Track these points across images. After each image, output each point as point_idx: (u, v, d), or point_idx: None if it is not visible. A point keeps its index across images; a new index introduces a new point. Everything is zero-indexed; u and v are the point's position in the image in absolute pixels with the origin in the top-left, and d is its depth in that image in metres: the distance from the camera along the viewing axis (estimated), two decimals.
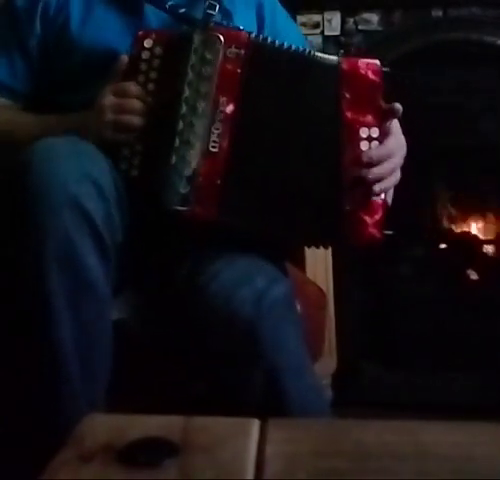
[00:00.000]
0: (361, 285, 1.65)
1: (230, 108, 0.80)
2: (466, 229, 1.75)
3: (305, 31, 1.56)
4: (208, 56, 0.80)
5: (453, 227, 1.76)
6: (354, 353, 1.58)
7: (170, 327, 0.83)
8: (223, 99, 0.80)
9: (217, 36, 0.80)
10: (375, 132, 0.82)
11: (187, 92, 0.79)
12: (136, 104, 0.81)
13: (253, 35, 0.83)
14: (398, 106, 0.83)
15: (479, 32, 1.58)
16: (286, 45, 0.83)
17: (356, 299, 1.63)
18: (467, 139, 1.63)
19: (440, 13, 1.60)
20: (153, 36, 0.82)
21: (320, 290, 1.06)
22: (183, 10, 0.90)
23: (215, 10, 0.88)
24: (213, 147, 0.80)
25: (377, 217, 0.83)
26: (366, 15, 1.60)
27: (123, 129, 0.81)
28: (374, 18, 1.61)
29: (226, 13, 0.92)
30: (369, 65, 0.82)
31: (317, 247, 0.90)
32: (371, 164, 0.81)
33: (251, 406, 0.76)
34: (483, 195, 1.72)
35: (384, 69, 0.82)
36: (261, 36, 0.84)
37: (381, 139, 0.82)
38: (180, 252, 0.87)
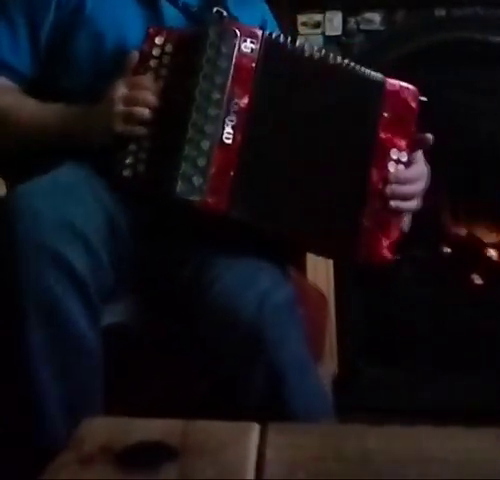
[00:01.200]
0: (362, 289, 1.65)
1: (245, 101, 0.81)
2: (470, 233, 1.75)
3: (306, 31, 1.56)
4: (224, 49, 0.81)
5: (456, 230, 1.75)
6: (355, 356, 1.58)
7: (172, 329, 0.83)
8: (238, 91, 0.81)
9: (233, 30, 0.81)
10: (404, 156, 0.84)
11: (202, 84, 0.80)
12: (148, 96, 0.81)
13: (267, 32, 0.84)
14: (430, 137, 0.85)
15: (483, 32, 1.57)
16: (313, 49, 0.84)
17: (357, 303, 1.63)
18: (472, 139, 1.62)
19: (443, 13, 1.59)
20: (164, 33, 0.83)
21: (321, 293, 1.06)
22: (195, 9, 0.92)
23: (223, 14, 0.88)
24: (227, 138, 0.80)
25: (392, 239, 0.84)
26: (368, 15, 1.60)
27: (133, 121, 0.81)
28: (376, 18, 1.60)
29: (233, 18, 0.93)
30: (410, 91, 0.85)
31: (328, 257, 0.89)
32: (397, 185, 0.82)
33: (253, 408, 0.76)
34: (487, 198, 1.71)
35: (422, 98, 0.85)
36: (274, 33, 0.85)
37: (408, 164, 0.84)
38: (183, 254, 0.86)
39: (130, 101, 0.80)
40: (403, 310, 1.65)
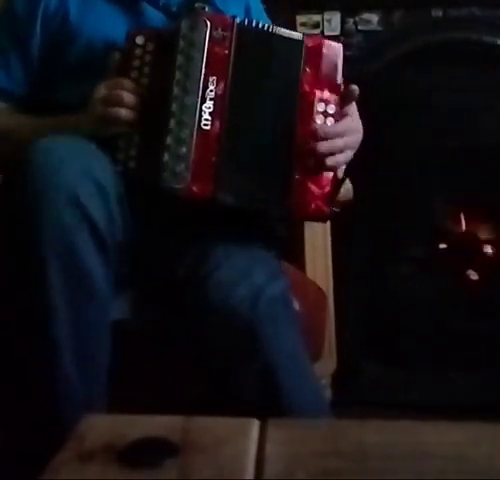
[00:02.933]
0: (361, 285, 1.65)
1: (220, 87, 0.83)
2: (466, 229, 1.75)
3: (305, 31, 1.56)
4: (195, 39, 0.83)
5: (453, 227, 1.76)
6: (354, 353, 1.58)
7: (170, 325, 0.83)
8: (213, 78, 0.83)
9: (203, 20, 0.83)
10: (332, 109, 0.86)
11: (178, 75, 0.82)
12: (125, 96, 0.82)
13: (237, 19, 0.85)
14: (355, 88, 0.86)
15: (479, 32, 1.58)
16: (265, 26, 0.86)
17: (356, 299, 1.63)
18: (467, 139, 1.63)
19: (440, 13, 1.60)
20: (144, 33, 0.85)
21: (320, 290, 1.06)
22: (174, 9, 0.93)
23: (205, 8, 0.89)
24: (205, 125, 0.82)
25: (326, 190, 0.85)
26: (366, 15, 1.60)
27: (111, 122, 0.82)
28: (374, 18, 1.61)
29: (218, 11, 0.94)
30: (332, 46, 0.87)
31: (267, 214, 0.90)
32: (325, 138, 0.83)
33: (248, 404, 0.76)
34: (484, 195, 1.72)
35: (346, 53, 0.87)
36: (245, 19, 0.87)
37: (338, 118, 0.85)
38: (180, 249, 0.87)
39: (108, 102, 0.82)
40: (402, 306, 1.66)
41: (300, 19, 1.58)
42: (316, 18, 1.59)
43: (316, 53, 0.86)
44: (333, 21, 1.59)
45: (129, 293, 0.87)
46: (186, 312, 0.81)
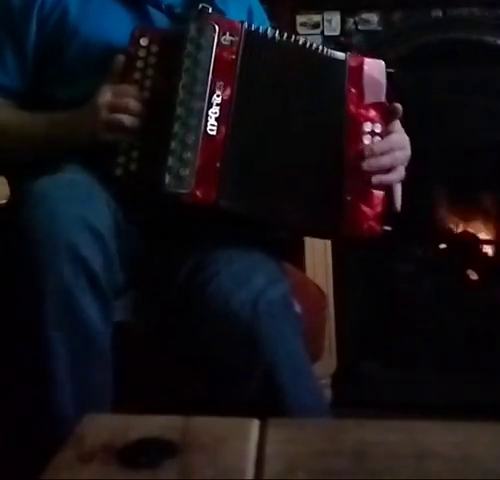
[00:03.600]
0: (361, 285, 1.65)
1: (227, 93, 0.82)
2: (466, 229, 1.75)
3: (305, 31, 1.57)
4: (203, 43, 0.82)
5: (453, 227, 1.76)
6: (354, 353, 1.58)
7: (171, 328, 0.83)
8: (220, 84, 0.82)
9: (212, 24, 0.82)
10: (378, 128, 0.85)
11: (184, 78, 0.81)
12: (131, 103, 0.81)
13: (246, 24, 0.85)
14: (399, 106, 0.85)
15: (479, 32, 1.58)
16: (290, 36, 0.85)
17: (356, 299, 1.63)
18: (467, 139, 1.63)
19: (440, 13, 1.60)
20: (149, 34, 0.84)
21: (320, 290, 1.06)
22: (178, 10, 0.92)
23: (209, 10, 0.89)
24: (211, 130, 0.81)
25: (377, 210, 0.84)
26: (366, 15, 1.60)
27: (115, 128, 0.81)
28: (374, 18, 1.61)
29: (220, 12, 0.93)
30: (375, 64, 0.86)
31: (317, 236, 0.90)
32: (372, 157, 0.83)
33: (249, 406, 0.76)
34: (483, 195, 1.72)
35: (388, 70, 0.86)
36: (254, 25, 0.86)
37: (384, 136, 0.85)
38: (181, 253, 0.87)
39: (114, 108, 0.81)
40: (401, 306, 1.66)
41: (300, 19, 1.58)
42: (316, 18, 1.59)
43: (360, 73, 0.85)
44: (333, 21, 1.59)
45: (131, 295, 0.87)
46: (187, 316, 0.81)
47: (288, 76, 0.86)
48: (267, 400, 0.76)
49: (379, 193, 0.84)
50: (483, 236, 1.75)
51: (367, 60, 0.86)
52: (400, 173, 0.86)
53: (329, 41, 1.60)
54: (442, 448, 0.43)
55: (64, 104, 0.88)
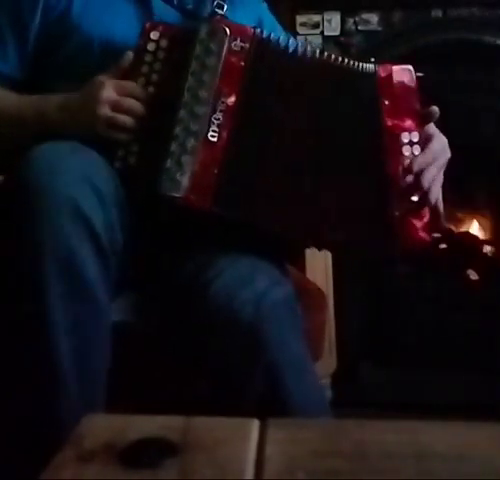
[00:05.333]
0: (361, 285, 1.65)
1: (232, 99, 0.81)
2: (466, 229, 1.75)
3: (305, 31, 1.57)
4: (213, 47, 0.81)
5: (453, 227, 1.76)
6: (354, 353, 1.58)
7: (172, 328, 0.83)
8: (225, 90, 0.81)
9: (223, 28, 0.81)
10: (415, 136, 0.83)
11: (190, 81, 0.80)
12: (135, 105, 0.81)
13: (258, 30, 0.83)
14: (435, 109, 0.84)
15: (479, 32, 1.58)
16: (306, 48, 0.83)
17: (356, 299, 1.63)
18: (467, 139, 1.63)
19: (440, 13, 1.60)
20: (160, 28, 0.83)
21: (320, 290, 1.06)
22: (190, 6, 0.91)
23: (222, 10, 0.88)
24: (212, 136, 0.80)
25: (425, 220, 0.83)
26: (366, 15, 1.61)
27: (117, 128, 0.81)
28: (374, 18, 1.61)
29: (226, 17, 0.93)
30: (404, 71, 0.83)
31: (364, 256, 0.88)
32: (418, 170, 0.81)
33: (252, 406, 0.76)
34: (483, 195, 1.72)
35: (418, 74, 0.84)
36: (266, 33, 0.84)
37: (421, 143, 0.83)
38: (182, 253, 0.87)
39: (117, 107, 0.80)
40: (402, 306, 1.66)
41: (300, 19, 1.58)
42: (316, 18, 1.59)
43: (390, 83, 0.82)
44: (333, 21, 1.59)
45: (131, 294, 0.87)
46: (189, 316, 0.81)
47: (307, 87, 0.83)
48: (269, 400, 0.76)
49: (425, 203, 0.83)
50: (483, 236, 1.75)
51: (396, 68, 0.83)
52: (441, 179, 0.85)
53: (329, 41, 1.60)
54: (442, 448, 0.43)
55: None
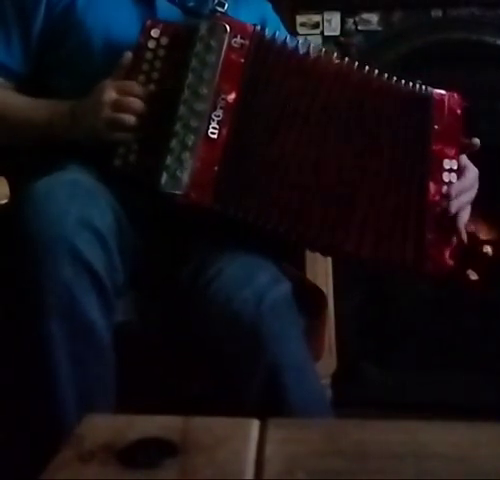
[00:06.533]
0: (361, 286, 1.65)
1: (232, 96, 0.81)
2: (466, 229, 1.75)
3: (305, 31, 1.57)
4: (213, 44, 0.81)
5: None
6: (354, 353, 1.58)
7: (173, 327, 0.83)
8: (225, 87, 0.80)
9: (223, 25, 0.81)
10: (455, 164, 0.84)
11: (190, 78, 0.80)
12: (135, 103, 0.81)
13: (258, 28, 0.83)
14: (477, 142, 0.86)
15: (479, 32, 1.58)
16: (309, 47, 0.83)
17: (356, 300, 1.63)
18: (467, 139, 1.63)
19: (440, 13, 1.60)
20: (161, 26, 0.83)
21: (320, 291, 1.06)
22: (192, 4, 0.91)
23: (223, 8, 0.88)
24: (212, 133, 0.80)
25: (453, 246, 0.85)
26: (366, 15, 1.60)
27: (118, 127, 0.81)
28: (374, 18, 1.61)
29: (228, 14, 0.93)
30: (455, 98, 0.84)
31: (389, 269, 0.88)
32: (454, 197, 0.83)
33: (253, 405, 0.76)
34: (484, 195, 1.72)
35: (465, 104, 0.85)
36: (267, 30, 0.84)
37: (459, 171, 0.84)
38: (183, 253, 0.87)
39: (118, 107, 0.80)
40: (401, 307, 1.66)
41: (300, 19, 1.58)
42: (316, 18, 1.59)
43: (443, 109, 0.83)
44: (333, 21, 1.59)
45: (133, 294, 0.87)
46: (190, 315, 0.81)
47: (309, 86, 0.82)
48: (270, 399, 0.76)
49: (454, 230, 0.85)
50: (483, 236, 1.75)
51: (448, 94, 0.84)
52: (469, 210, 0.87)
53: (329, 41, 1.60)
54: (442, 448, 0.43)
55: (62, 95, 0.88)
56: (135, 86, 0.82)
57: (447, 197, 0.82)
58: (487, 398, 1.55)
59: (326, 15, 1.59)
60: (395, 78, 0.84)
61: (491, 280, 1.71)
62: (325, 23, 1.59)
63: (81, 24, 0.88)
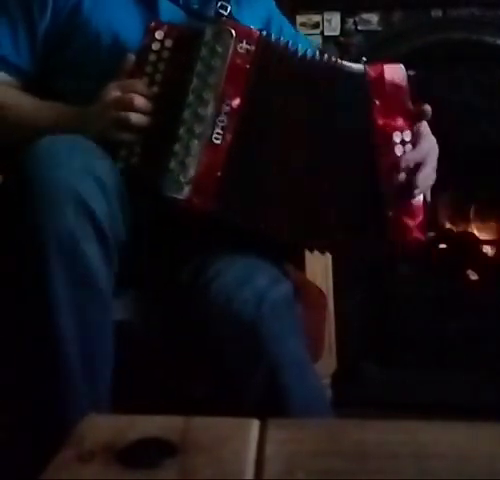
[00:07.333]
0: (361, 285, 1.65)
1: (236, 102, 0.80)
2: (466, 229, 1.75)
3: (305, 31, 1.57)
4: (218, 49, 0.80)
5: (453, 227, 1.76)
6: (354, 353, 1.58)
7: (173, 328, 0.83)
8: (230, 92, 0.80)
9: (229, 30, 0.81)
10: (407, 135, 0.83)
11: (195, 82, 0.80)
12: (139, 101, 0.81)
13: (264, 33, 0.83)
14: (428, 107, 0.83)
15: (479, 32, 1.58)
16: (306, 51, 0.83)
17: (356, 299, 1.63)
18: (468, 139, 1.63)
19: (440, 13, 1.60)
20: (165, 28, 0.83)
21: (320, 290, 1.06)
22: (196, 6, 0.91)
23: (226, 10, 0.88)
24: (216, 139, 0.80)
25: (419, 220, 0.83)
26: (366, 15, 1.61)
27: (124, 126, 0.81)
28: (374, 18, 1.61)
29: (233, 17, 0.93)
30: (395, 69, 0.83)
31: (359, 254, 0.87)
32: (409, 169, 0.81)
33: (253, 405, 0.76)
34: (484, 195, 1.72)
35: (409, 73, 0.84)
36: (272, 35, 0.84)
37: (413, 142, 0.83)
38: (183, 252, 0.87)
39: (121, 105, 0.80)
40: (402, 306, 1.66)
41: (300, 19, 1.58)
42: (316, 18, 1.59)
43: (381, 82, 0.82)
44: (333, 21, 1.59)
45: (133, 293, 0.87)
46: (190, 315, 0.81)
47: (304, 90, 0.83)
48: (270, 400, 0.76)
49: (418, 202, 0.83)
50: (483, 236, 1.75)
51: (386, 67, 0.83)
52: (433, 177, 0.85)
53: (329, 41, 1.60)
54: (442, 448, 0.43)
55: (67, 97, 0.88)
56: (138, 84, 0.82)
57: (400, 170, 0.81)
58: (487, 398, 1.55)
59: (326, 15, 1.59)
60: (327, 58, 0.83)
61: (491, 280, 1.72)
62: (325, 23, 1.59)
63: (87, 26, 0.89)
